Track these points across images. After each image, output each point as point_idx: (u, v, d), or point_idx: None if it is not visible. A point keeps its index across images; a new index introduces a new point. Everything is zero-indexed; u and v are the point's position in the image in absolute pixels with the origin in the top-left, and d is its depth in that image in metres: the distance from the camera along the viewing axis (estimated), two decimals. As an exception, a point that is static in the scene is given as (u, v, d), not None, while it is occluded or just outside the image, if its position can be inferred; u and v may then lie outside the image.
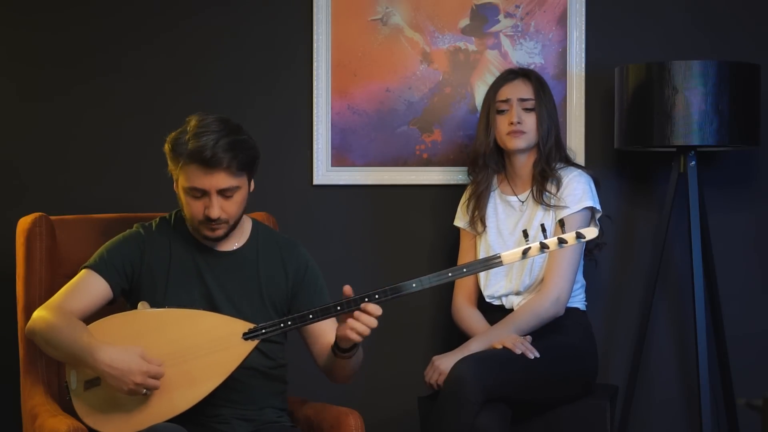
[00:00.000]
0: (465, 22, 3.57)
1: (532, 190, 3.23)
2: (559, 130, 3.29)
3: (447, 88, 3.57)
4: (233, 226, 2.70)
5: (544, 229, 2.55)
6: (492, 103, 3.26)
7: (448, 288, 3.37)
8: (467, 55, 3.57)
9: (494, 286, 3.25)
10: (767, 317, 3.54)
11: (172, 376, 2.54)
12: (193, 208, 2.64)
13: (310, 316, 2.56)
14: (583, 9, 3.53)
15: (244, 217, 2.78)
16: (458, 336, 3.29)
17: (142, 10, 3.60)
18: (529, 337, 3.08)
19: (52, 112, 3.60)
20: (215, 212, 2.61)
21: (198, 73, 3.60)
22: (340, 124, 3.58)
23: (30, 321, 2.65)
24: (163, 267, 2.72)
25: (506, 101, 3.23)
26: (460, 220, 3.36)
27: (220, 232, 2.67)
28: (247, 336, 2.58)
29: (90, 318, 2.65)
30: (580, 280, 3.26)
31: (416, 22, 3.57)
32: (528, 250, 2.56)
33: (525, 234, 2.58)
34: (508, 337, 3.07)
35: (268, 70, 3.61)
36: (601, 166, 3.53)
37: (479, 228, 3.29)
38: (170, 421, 2.54)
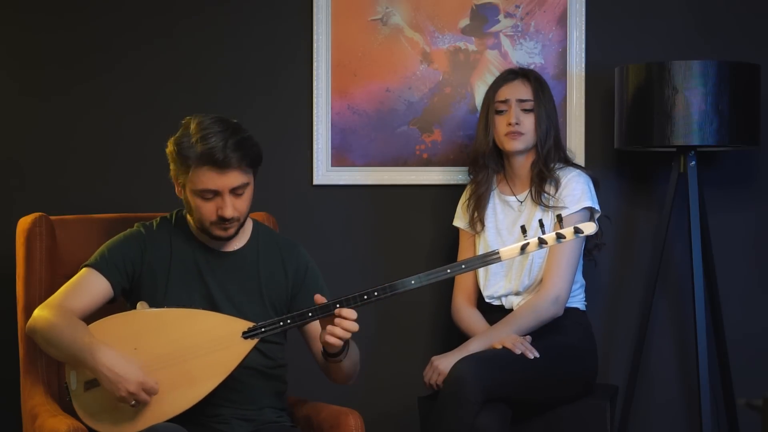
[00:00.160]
0: (465, 22, 3.57)
1: (530, 191, 3.23)
2: (559, 130, 3.28)
3: (447, 88, 3.57)
4: (243, 224, 2.71)
5: (542, 225, 2.56)
6: (491, 104, 3.26)
7: (448, 288, 3.38)
8: (467, 55, 3.57)
9: (494, 286, 3.25)
10: (767, 317, 3.54)
11: (172, 376, 2.54)
12: (204, 210, 2.65)
13: (310, 315, 2.56)
14: (583, 9, 3.53)
15: (245, 217, 2.79)
16: (458, 336, 3.29)
17: (142, 10, 3.60)
18: (528, 337, 3.08)
19: (52, 112, 3.60)
20: (230, 211, 2.62)
21: (198, 73, 3.61)
22: (340, 124, 3.58)
23: (30, 319, 2.65)
24: (163, 267, 2.72)
25: (505, 102, 3.23)
26: (460, 220, 3.36)
27: (232, 231, 2.68)
28: (246, 335, 2.58)
29: (90, 317, 2.65)
30: (580, 280, 3.26)
31: (416, 22, 3.57)
32: (526, 246, 2.56)
33: (523, 230, 2.58)
34: (508, 337, 3.07)
35: (268, 70, 3.61)
36: (601, 166, 3.53)
37: (478, 228, 3.29)
38: (170, 420, 2.54)
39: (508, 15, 3.56)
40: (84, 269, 2.71)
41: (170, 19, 3.61)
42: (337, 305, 2.53)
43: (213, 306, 2.70)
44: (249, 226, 2.80)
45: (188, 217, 2.76)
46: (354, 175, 3.59)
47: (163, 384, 2.53)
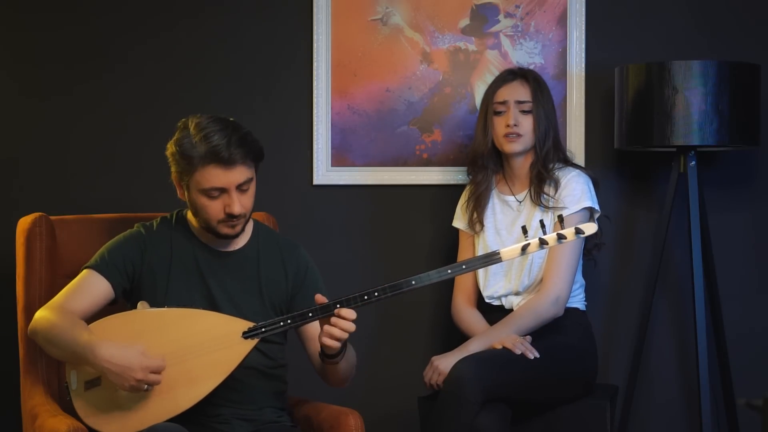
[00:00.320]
0: (465, 22, 3.57)
1: (529, 191, 3.23)
2: (558, 131, 3.28)
3: (447, 88, 3.57)
4: (248, 220, 2.71)
5: (543, 225, 2.56)
6: (489, 104, 3.26)
7: (448, 288, 3.38)
8: (467, 55, 3.57)
9: (493, 286, 3.25)
10: (767, 317, 3.54)
11: (173, 376, 2.54)
12: (211, 210, 2.65)
13: (310, 315, 2.56)
14: (583, 9, 3.53)
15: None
16: (458, 336, 3.29)
17: (143, 9, 3.60)
18: (528, 338, 3.08)
19: (52, 112, 3.60)
20: (237, 207, 2.63)
21: (198, 73, 3.61)
22: (340, 124, 3.58)
23: (32, 321, 2.66)
24: (164, 267, 2.73)
25: (503, 103, 3.23)
26: (459, 221, 3.36)
27: (239, 228, 2.69)
28: (246, 335, 2.59)
29: (91, 318, 2.65)
30: (580, 280, 3.26)
31: (416, 22, 3.57)
32: (527, 246, 2.56)
33: (524, 230, 2.58)
34: (508, 337, 3.07)
35: (268, 70, 3.61)
36: (601, 166, 3.53)
37: (477, 228, 3.29)
38: (170, 420, 2.54)
39: (508, 15, 3.56)
40: (84, 271, 2.71)
41: (170, 19, 3.61)
42: (338, 305, 2.54)
43: (213, 306, 2.70)
44: (250, 226, 2.80)
45: (189, 217, 2.76)
46: (354, 175, 3.59)
47: (163, 383, 2.53)
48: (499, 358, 2.99)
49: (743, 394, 3.42)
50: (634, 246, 3.57)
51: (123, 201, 3.47)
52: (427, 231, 3.60)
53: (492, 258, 2.58)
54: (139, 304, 2.65)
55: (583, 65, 3.53)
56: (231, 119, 2.67)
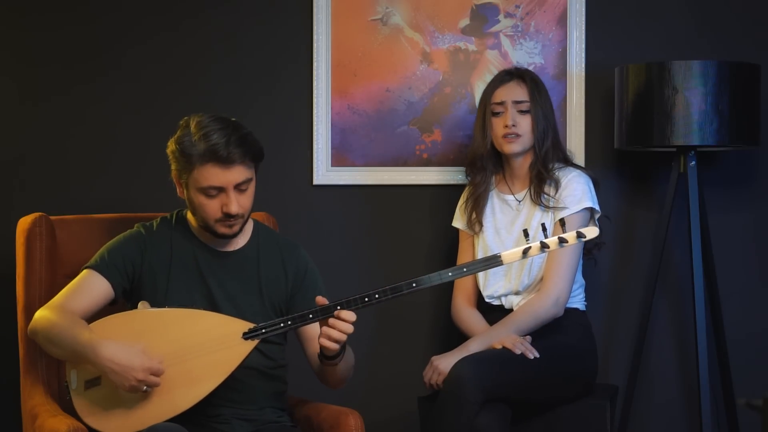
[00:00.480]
0: (465, 22, 3.57)
1: (529, 190, 3.23)
2: (557, 130, 3.28)
3: (447, 88, 3.57)
4: (246, 221, 2.71)
5: (544, 229, 2.56)
6: (487, 106, 3.26)
7: (448, 288, 3.37)
8: (467, 55, 3.57)
9: (493, 286, 3.25)
10: (767, 317, 3.54)
11: (173, 376, 2.54)
12: (208, 208, 2.65)
13: (310, 316, 2.56)
14: (583, 9, 3.53)
15: (246, 217, 2.79)
16: (458, 336, 3.29)
17: (142, 10, 3.60)
18: (528, 337, 3.08)
19: (51, 112, 3.60)
20: (235, 207, 2.63)
21: (198, 73, 3.60)
22: (340, 124, 3.58)
23: (32, 321, 2.66)
24: (164, 267, 2.73)
25: (501, 104, 3.23)
26: (459, 221, 3.36)
27: (236, 228, 2.68)
28: (247, 335, 2.59)
29: (91, 318, 2.65)
30: (580, 280, 3.26)
31: (416, 22, 3.57)
32: (528, 250, 2.56)
33: (525, 233, 2.58)
34: (508, 337, 3.07)
35: (268, 70, 3.61)
36: (601, 166, 3.53)
37: (477, 228, 3.29)
38: (170, 420, 2.54)
39: (508, 15, 3.56)
40: (85, 271, 2.71)
41: (170, 19, 3.61)
42: (338, 307, 2.53)
43: (213, 305, 2.70)
44: (249, 226, 2.80)
45: (189, 217, 2.77)
46: (354, 175, 3.59)
47: (163, 383, 2.53)
48: (498, 358, 2.99)
49: (743, 394, 3.42)
50: (634, 246, 3.57)
51: (123, 201, 3.47)
52: (427, 231, 3.60)
53: (493, 261, 2.58)
54: (140, 304, 2.65)
55: (583, 65, 3.53)
56: (232, 119, 2.68)
